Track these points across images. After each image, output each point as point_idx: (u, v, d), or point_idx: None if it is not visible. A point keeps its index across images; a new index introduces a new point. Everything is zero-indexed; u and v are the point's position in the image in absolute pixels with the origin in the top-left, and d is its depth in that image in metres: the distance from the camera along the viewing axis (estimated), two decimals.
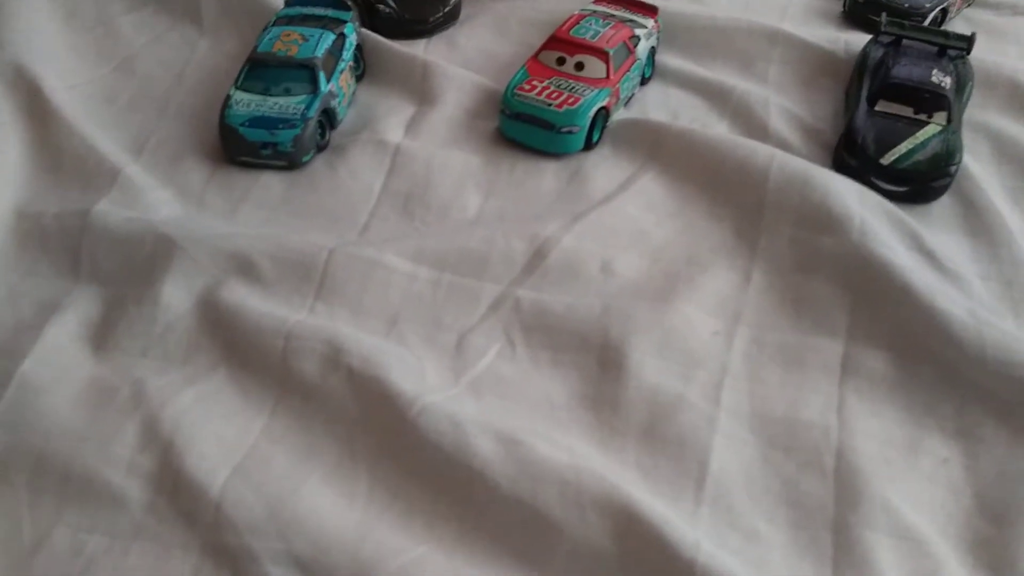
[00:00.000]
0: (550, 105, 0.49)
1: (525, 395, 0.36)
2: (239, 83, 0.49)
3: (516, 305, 0.40)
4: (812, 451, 0.35)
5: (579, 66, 0.52)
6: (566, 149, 0.50)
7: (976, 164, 0.50)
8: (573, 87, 0.50)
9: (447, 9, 0.56)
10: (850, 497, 0.34)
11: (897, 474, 0.34)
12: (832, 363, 0.39)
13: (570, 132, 0.49)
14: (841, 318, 0.41)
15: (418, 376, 0.35)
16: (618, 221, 0.45)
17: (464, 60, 0.56)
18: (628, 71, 0.53)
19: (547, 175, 0.49)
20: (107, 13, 0.61)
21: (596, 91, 0.50)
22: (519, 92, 0.50)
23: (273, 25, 0.52)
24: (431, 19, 0.56)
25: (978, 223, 0.47)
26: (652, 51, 0.56)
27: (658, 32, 0.57)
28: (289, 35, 0.51)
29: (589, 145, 0.50)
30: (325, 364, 0.36)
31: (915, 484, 0.34)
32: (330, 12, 0.53)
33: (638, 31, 0.55)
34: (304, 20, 0.52)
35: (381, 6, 0.55)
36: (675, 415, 0.35)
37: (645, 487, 0.33)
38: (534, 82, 0.51)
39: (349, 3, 0.55)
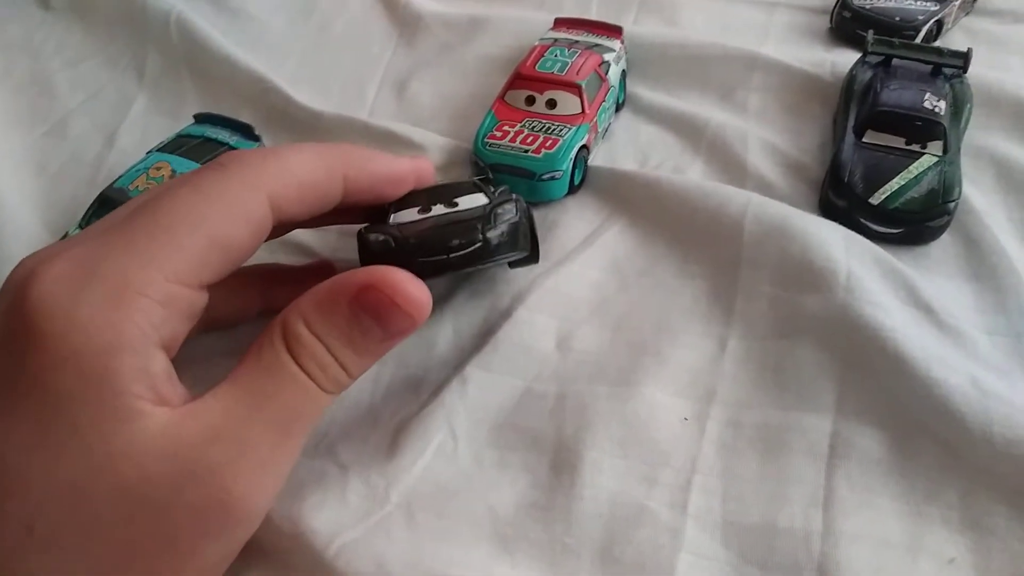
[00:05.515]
0: (527, 151, 0.44)
1: (466, 506, 0.32)
2: (83, 221, 0.40)
3: (462, 388, 0.36)
4: (791, 567, 0.30)
5: (551, 103, 0.47)
6: (550, 196, 0.45)
7: (979, 196, 0.46)
8: (548, 127, 0.46)
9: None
10: None
11: None
12: (819, 446, 0.34)
13: (552, 178, 0.44)
14: (828, 390, 0.36)
15: (339, 498, 0.31)
16: (578, 287, 0.40)
17: (416, 115, 0.52)
18: (603, 101, 0.48)
19: None
20: (44, 70, 0.58)
21: (574, 129, 0.45)
22: (490, 141, 0.45)
23: (159, 149, 0.44)
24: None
25: (982, 266, 0.42)
26: (623, 75, 0.52)
27: (625, 53, 0.53)
28: (160, 168, 0.41)
29: (572, 189, 0.46)
30: None
31: None
32: (232, 140, 0.43)
33: (607, 56, 0.50)
34: (196, 148, 0.43)
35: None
36: (635, 531, 0.31)
37: None
38: (505, 127, 0.46)
39: (257, 133, 0.45)
